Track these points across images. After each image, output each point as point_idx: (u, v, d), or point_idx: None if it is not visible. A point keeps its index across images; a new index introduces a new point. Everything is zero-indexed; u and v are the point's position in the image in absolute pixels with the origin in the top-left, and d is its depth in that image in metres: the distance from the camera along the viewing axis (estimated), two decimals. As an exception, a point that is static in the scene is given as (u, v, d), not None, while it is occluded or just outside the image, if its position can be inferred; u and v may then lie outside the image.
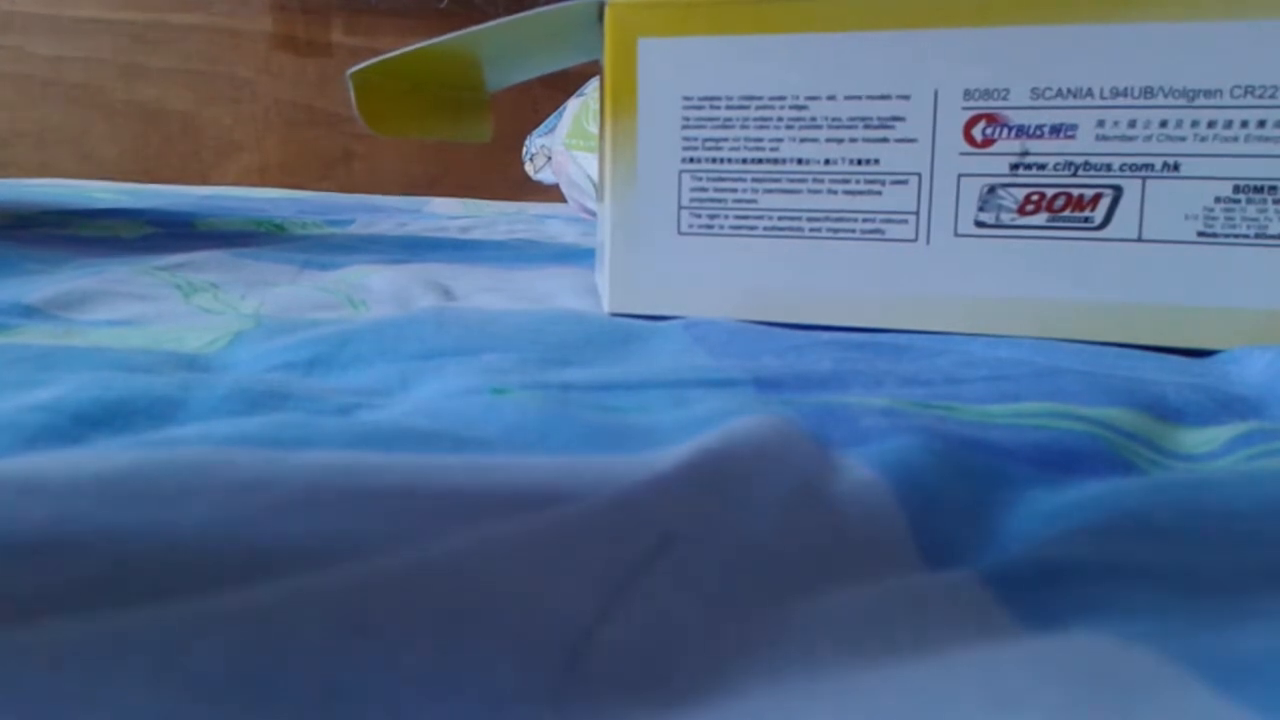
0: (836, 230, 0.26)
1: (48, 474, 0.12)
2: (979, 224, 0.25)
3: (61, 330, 0.23)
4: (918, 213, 0.25)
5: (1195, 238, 0.23)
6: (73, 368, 0.19)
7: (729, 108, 0.26)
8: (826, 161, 0.25)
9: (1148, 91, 0.23)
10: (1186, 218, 0.23)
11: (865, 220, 0.25)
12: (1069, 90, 0.24)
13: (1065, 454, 0.16)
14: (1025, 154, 0.24)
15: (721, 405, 0.17)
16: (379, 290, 0.32)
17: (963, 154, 0.24)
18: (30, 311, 0.26)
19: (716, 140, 0.26)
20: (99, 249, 0.39)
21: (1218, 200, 0.23)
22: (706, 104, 0.26)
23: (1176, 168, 0.23)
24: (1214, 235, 0.23)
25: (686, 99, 0.26)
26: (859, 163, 0.25)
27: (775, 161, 0.26)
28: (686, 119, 0.26)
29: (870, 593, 0.11)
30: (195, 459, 0.13)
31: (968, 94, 0.24)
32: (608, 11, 0.26)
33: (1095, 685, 0.08)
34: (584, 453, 0.15)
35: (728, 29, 0.26)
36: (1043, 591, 0.11)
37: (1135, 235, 0.24)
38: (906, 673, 0.08)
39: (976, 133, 0.24)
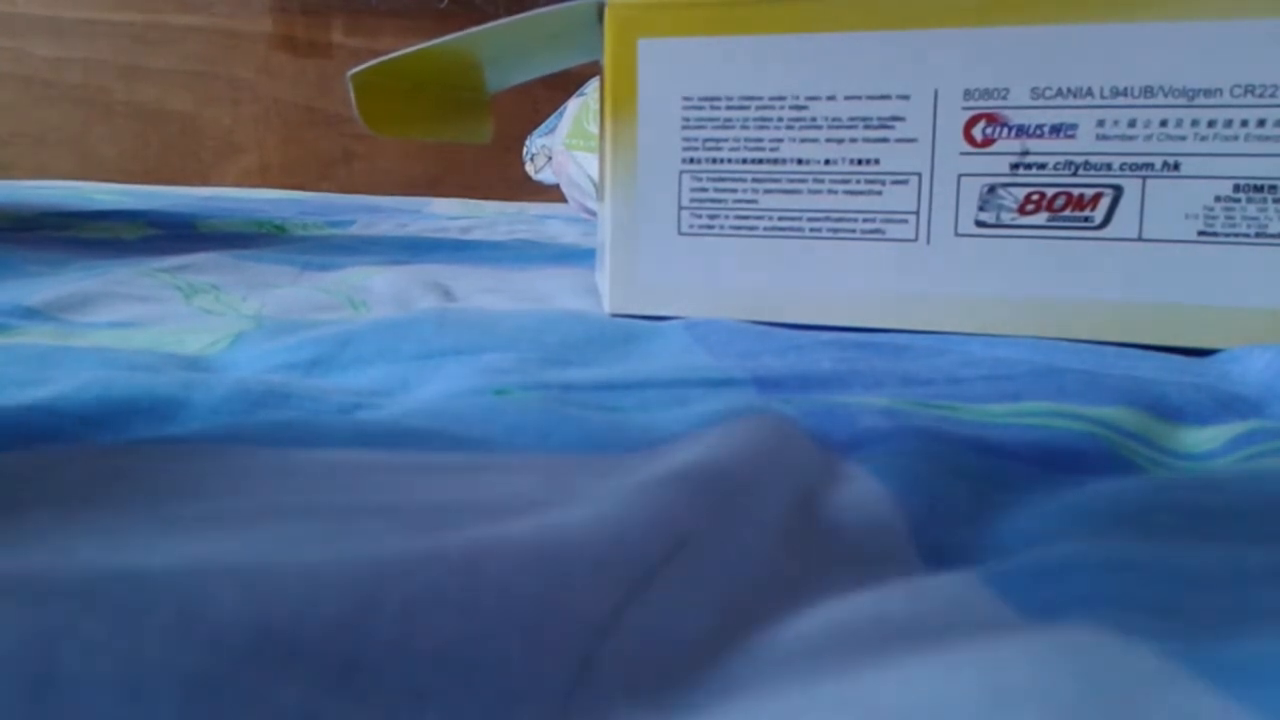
0: (837, 230, 0.26)
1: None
2: (979, 224, 0.25)
3: (63, 332, 0.23)
4: (918, 212, 0.25)
5: (1195, 237, 0.23)
6: (74, 368, 0.19)
7: (729, 108, 0.26)
8: (826, 161, 0.26)
9: (1148, 91, 0.23)
10: (1187, 217, 0.23)
11: (865, 220, 0.25)
12: (1069, 90, 0.24)
13: (1066, 453, 0.16)
14: (1025, 154, 0.24)
15: (722, 405, 0.17)
16: (379, 291, 0.32)
17: (963, 154, 0.24)
18: (31, 313, 0.26)
19: (717, 140, 0.26)
20: (100, 251, 0.39)
21: (1218, 199, 0.23)
22: (706, 104, 0.26)
23: (1177, 167, 0.23)
24: (1214, 234, 0.23)
25: (686, 99, 0.26)
26: (859, 163, 0.25)
27: (775, 162, 0.26)
28: (686, 119, 0.26)
29: (871, 594, 0.11)
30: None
31: (968, 94, 0.24)
32: (608, 12, 0.26)
33: (1096, 684, 0.08)
34: (585, 452, 0.15)
35: (728, 29, 0.26)
36: (1043, 590, 0.11)
37: (1135, 235, 0.24)
38: (907, 672, 0.08)
39: (976, 132, 0.24)
